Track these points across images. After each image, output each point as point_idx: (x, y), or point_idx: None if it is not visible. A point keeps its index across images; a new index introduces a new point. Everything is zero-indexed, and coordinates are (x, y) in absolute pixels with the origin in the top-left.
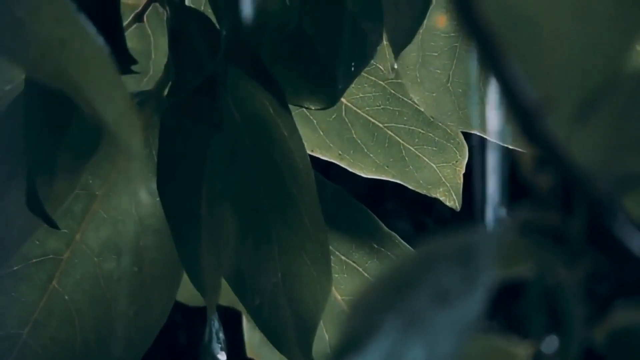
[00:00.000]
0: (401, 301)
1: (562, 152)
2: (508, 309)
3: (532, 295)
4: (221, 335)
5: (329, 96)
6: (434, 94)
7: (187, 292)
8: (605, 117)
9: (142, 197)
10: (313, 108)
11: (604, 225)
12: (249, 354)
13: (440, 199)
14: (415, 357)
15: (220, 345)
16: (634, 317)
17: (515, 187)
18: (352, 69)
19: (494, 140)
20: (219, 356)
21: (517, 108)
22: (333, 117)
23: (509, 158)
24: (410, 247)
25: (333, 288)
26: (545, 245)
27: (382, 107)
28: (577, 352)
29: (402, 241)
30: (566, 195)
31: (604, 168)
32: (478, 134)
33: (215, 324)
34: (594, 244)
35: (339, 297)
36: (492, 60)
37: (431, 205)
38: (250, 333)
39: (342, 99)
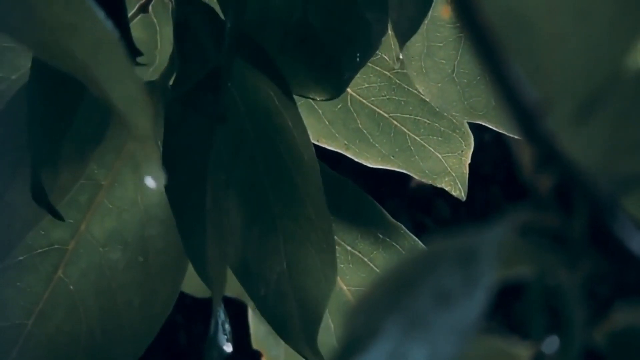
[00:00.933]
0: (402, 302)
1: (563, 153)
2: (509, 309)
3: (532, 296)
4: (227, 326)
5: (334, 87)
6: (439, 85)
7: (193, 284)
8: (605, 117)
9: (148, 188)
10: (318, 99)
11: (605, 226)
12: (254, 345)
13: (446, 188)
14: (417, 359)
15: (226, 337)
16: (634, 317)
17: (516, 188)
18: (357, 59)
19: (499, 131)
20: (225, 347)
21: (517, 108)
22: (338, 107)
23: (509, 158)
24: (414, 237)
25: (338, 278)
26: (546, 246)
27: (387, 97)
28: (578, 352)
29: (407, 231)
30: (567, 196)
31: (605, 169)
32: (483, 124)
33: (221, 315)
34: (595, 244)
35: (344, 287)
36: (492, 61)
37: (431, 205)
38: (256, 325)
39: (348, 89)
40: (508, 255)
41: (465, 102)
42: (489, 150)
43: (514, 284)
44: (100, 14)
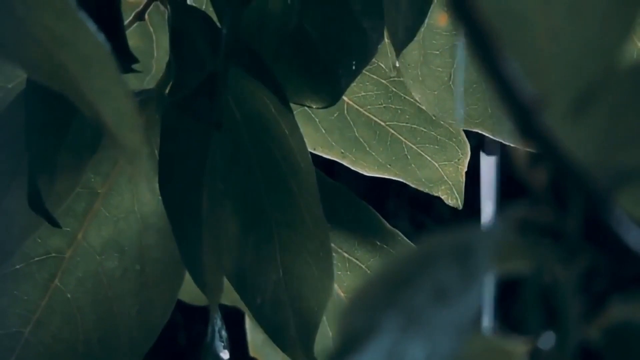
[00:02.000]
0: (400, 299)
1: (559, 148)
2: (505, 306)
3: (529, 292)
4: (224, 333)
5: (331, 95)
6: (436, 92)
7: (189, 292)
8: (600, 112)
9: (144, 195)
10: (314, 107)
11: (601, 221)
12: (252, 353)
13: (442, 197)
14: (415, 356)
15: (222, 344)
16: (630, 312)
17: (513, 184)
18: (354, 67)
19: (494, 138)
20: (221, 355)
21: (513, 104)
22: (335, 115)
23: (506, 155)
24: (412, 244)
25: (336, 285)
26: (542, 242)
27: (384, 105)
28: (574, 348)
29: (404, 238)
30: (562, 191)
31: (600, 163)
32: (480, 131)
33: (218, 323)
34: (591, 240)
35: (342, 294)
36: (488, 57)
37: (431, 205)
38: (253, 333)
39: (344, 98)
40: (505, 252)
41: (462, 110)
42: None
43: (510, 281)
44: (92, 26)
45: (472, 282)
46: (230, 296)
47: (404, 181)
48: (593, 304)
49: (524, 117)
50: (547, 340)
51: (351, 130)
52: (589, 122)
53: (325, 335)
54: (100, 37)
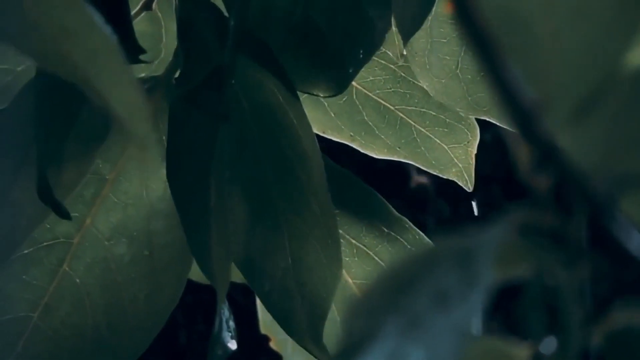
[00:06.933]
0: (401, 303)
1: (561, 152)
2: (507, 310)
3: (531, 296)
4: (231, 323)
5: (338, 83)
6: (443, 80)
7: (198, 271)
8: (603, 116)
9: (153, 181)
10: (322, 95)
11: (603, 226)
12: (262, 330)
13: (453, 179)
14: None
15: (230, 334)
16: (632, 317)
17: (517, 188)
18: (361, 55)
19: (502, 127)
20: (229, 345)
21: (515, 108)
22: (344, 99)
23: (508, 158)
24: (419, 231)
25: (344, 271)
26: (544, 246)
27: (392, 89)
28: (576, 352)
29: (412, 225)
30: (565, 196)
31: (602, 168)
32: (487, 119)
33: (225, 313)
34: (593, 244)
35: (349, 280)
36: (490, 60)
37: (431, 204)
38: (264, 309)
39: (353, 82)
40: (507, 255)
41: (469, 98)
42: (490, 150)
43: (512, 284)
44: (99, 18)
45: (474, 286)
46: (241, 274)
47: (414, 163)
48: (595, 309)
49: (526, 121)
50: (549, 344)
51: (360, 114)
52: (592, 127)
53: (333, 319)
54: (107, 29)
